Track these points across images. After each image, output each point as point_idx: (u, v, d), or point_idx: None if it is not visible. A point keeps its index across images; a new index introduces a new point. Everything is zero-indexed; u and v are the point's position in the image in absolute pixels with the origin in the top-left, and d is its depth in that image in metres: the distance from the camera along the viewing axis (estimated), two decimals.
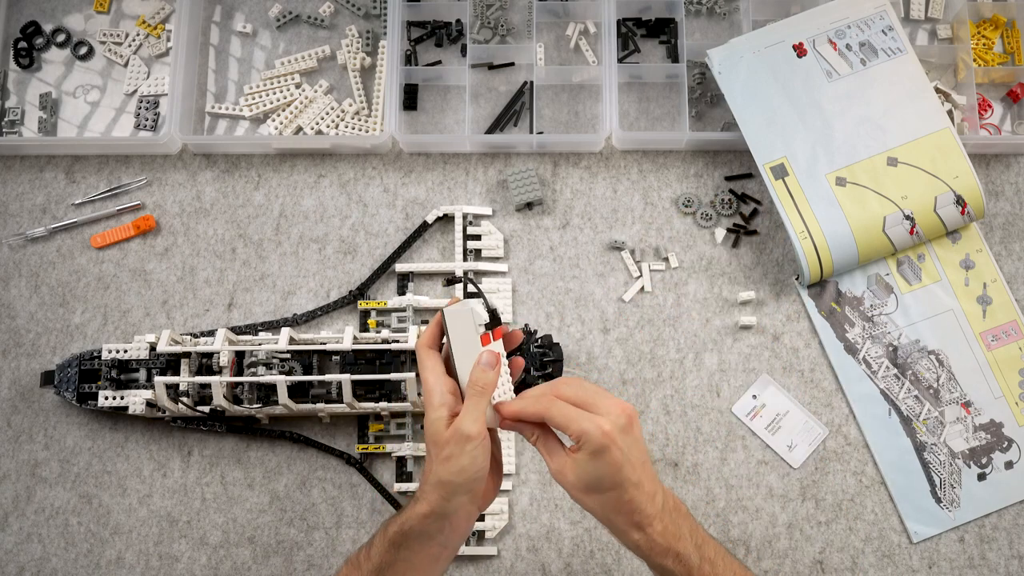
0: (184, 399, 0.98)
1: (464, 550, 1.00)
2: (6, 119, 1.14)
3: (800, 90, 1.07)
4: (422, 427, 1.03)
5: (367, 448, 1.02)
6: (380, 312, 1.06)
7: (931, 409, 1.04)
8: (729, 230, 1.10)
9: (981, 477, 1.03)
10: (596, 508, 0.73)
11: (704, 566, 0.75)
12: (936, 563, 1.01)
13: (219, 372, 0.98)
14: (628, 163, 1.12)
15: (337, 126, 1.14)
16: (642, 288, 1.07)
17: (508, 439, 1.03)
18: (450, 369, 0.76)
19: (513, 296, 1.08)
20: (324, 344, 0.99)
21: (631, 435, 0.72)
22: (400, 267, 1.08)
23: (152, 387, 0.99)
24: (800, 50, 1.08)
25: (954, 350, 1.06)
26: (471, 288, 0.97)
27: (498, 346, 0.76)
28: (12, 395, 1.06)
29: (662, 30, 1.16)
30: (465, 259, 1.08)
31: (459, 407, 0.74)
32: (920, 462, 1.03)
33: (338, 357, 0.99)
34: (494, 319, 0.76)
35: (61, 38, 1.17)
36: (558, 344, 1.00)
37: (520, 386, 0.91)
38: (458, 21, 1.16)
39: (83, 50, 1.17)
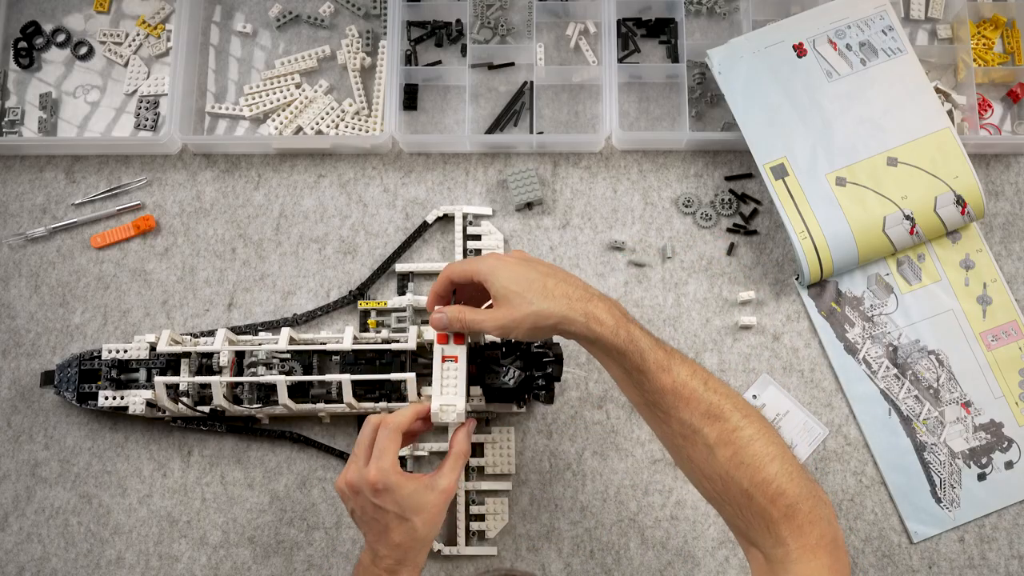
0: (184, 399, 0.98)
1: (464, 550, 1.00)
2: (6, 119, 1.14)
3: (800, 90, 1.07)
4: None
5: None
6: (380, 312, 1.06)
7: (931, 409, 1.04)
8: (729, 230, 1.10)
9: (981, 477, 1.03)
10: (550, 306, 0.76)
11: (657, 350, 0.77)
12: (936, 563, 1.01)
13: (219, 372, 0.98)
14: (628, 163, 1.12)
15: (337, 126, 1.14)
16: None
17: (509, 449, 1.03)
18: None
19: None
20: (324, 344, 0.99)
21: (509, 257, 0.80)
22: (400, 267, 1.08)
23: (152, 387, 0.99)
24: (800, 50, 1.08)
25: (954, 350, 1.06)
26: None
27: (456, 349, 0.83)
28: (12, 395, 1.06)
29: (662, 30, 1.16)
30: (465, 259, 1.08)
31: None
32: (920, 462, 1.03)
33: (338, 357, 0.99)
34: None
35: (61, 38, 1.17)
36: (558, 344, 0.99)
37: (522, 385, 0.92)
38: (458, 21, 1.16)
39: (83, 50, 1.17)
